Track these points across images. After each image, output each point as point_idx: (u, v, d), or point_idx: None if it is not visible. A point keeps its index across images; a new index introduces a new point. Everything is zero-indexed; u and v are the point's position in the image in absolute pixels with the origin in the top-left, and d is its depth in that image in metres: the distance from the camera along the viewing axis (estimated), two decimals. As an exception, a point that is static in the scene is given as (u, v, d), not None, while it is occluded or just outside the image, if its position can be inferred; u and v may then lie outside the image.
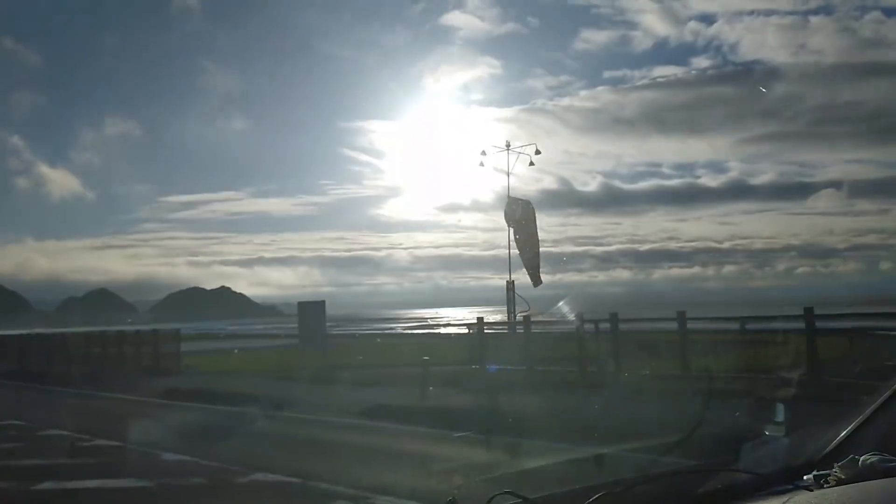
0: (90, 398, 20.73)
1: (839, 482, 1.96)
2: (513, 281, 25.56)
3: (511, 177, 25.21)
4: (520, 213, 24.87)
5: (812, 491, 1.97)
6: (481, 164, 26.90)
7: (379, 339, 42.23)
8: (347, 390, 17.26)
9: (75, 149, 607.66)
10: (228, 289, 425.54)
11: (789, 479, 2.10)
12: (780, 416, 2.99)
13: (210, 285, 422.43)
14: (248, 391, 18.07)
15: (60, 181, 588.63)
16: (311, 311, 21.60)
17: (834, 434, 2.28)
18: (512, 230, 25.01)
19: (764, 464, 2.23)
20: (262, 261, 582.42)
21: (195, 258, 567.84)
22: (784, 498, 1.93)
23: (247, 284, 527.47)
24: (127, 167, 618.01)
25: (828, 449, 2.23)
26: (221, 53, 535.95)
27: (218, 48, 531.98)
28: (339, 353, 23.89)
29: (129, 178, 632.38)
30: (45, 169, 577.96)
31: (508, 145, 26.03)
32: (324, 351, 21.32)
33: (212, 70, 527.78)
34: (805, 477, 2.07)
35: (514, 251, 24.68)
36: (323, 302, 21.52)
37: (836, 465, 2.01)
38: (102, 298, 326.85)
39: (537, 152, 25.88)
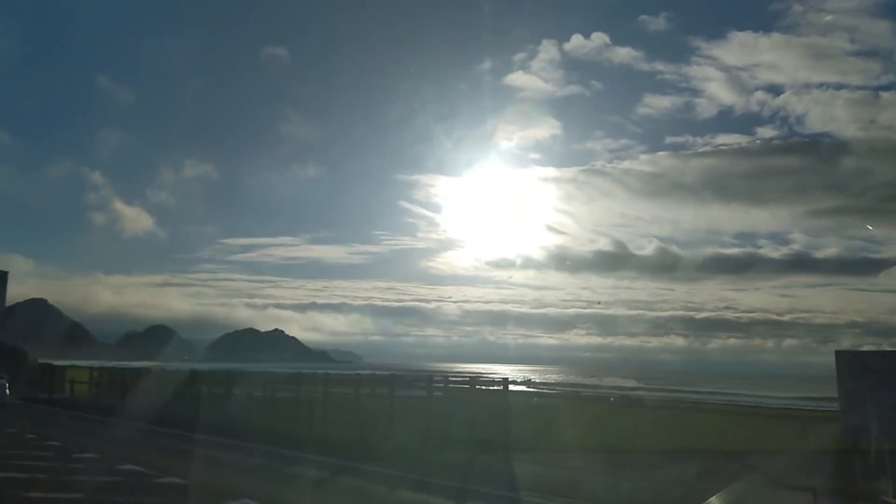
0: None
1: None
2: None
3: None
4: None
5: None
6: None
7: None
8: None
9: (152, 188, 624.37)
10: (282, 332, 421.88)
11: None
12: None
13: (265, 327, 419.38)
14: None
15: (134, 218, 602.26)
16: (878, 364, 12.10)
17: None
18: None
19: None
20: (314, 306, 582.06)
21: (251, 300, 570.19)
22: None
23: (299, 329, 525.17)
24: (196, 208, 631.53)
25: None
26: (297, 103, 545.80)
27: (294, 98, 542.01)
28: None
29: (196, 219, 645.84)
30: (121, 205, 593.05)
31: None
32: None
33: (286, 118, 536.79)
34: None
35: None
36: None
37: None
38: (161, 334, 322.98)
39: None
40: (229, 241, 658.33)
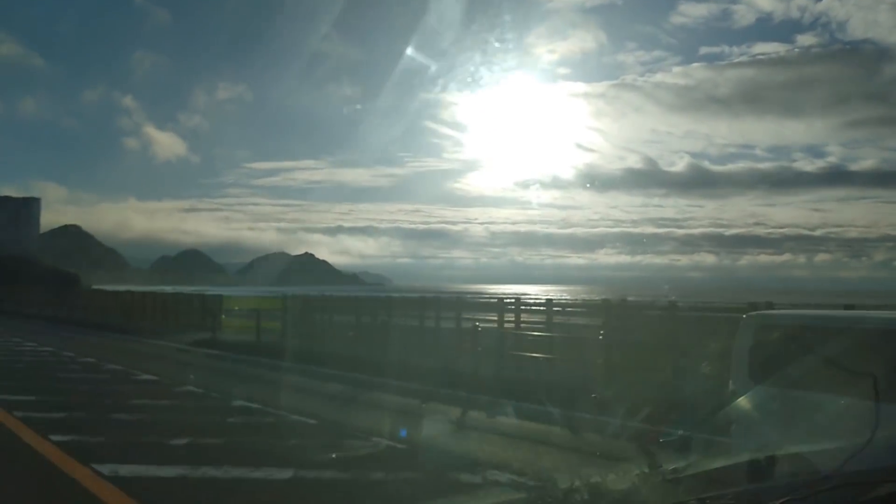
0: None
1: None
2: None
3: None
4: None
5: None
6: None
7: None
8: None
9: (184, 111, 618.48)
10: (312, 255, 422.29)
11: None
12: None
13: (294, 251, 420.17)
14: None
15: (166, 143, 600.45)
16: None
17: None
18: None
19: None
20: (342, 229, 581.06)
21: (279, 224, 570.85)
22: None
23: (328, 252, 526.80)
24: (224, 132, 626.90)
25: None
26: (320, 22, 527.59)
27: (319, 16, 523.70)
28: None
29: (220, 142, 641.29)
30: (152, 130, 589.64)
31: None
32: None
33: (317, 35, 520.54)
34: None
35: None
36: None
37: None
38: (193, 259, 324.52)
39: None
40: (253, 165, 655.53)
